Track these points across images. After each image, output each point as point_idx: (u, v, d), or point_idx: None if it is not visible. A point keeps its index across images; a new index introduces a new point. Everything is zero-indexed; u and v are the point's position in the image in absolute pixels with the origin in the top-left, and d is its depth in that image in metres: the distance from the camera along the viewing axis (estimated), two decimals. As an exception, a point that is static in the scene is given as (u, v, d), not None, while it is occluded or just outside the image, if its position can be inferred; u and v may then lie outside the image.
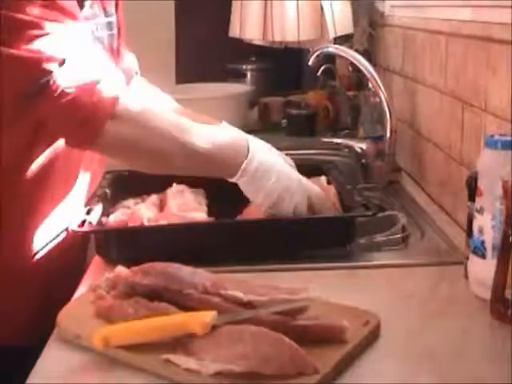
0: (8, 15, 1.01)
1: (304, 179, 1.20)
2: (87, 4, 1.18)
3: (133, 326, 0.87)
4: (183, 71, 2.58)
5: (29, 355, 0.89)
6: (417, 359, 0.84)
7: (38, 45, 1.02)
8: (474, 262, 0.99)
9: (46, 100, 1.03)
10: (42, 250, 1.20)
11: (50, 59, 1.03)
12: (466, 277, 1.02)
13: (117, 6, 1.33)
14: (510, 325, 0.90)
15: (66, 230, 1.21)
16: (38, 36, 1.02)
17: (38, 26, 1.02)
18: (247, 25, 2.17)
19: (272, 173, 1.16)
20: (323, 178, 1.33)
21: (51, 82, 1.02)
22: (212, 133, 1.17)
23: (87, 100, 1.05)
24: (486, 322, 0.93)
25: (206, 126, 1.18)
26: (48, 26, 1.03)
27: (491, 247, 0.95)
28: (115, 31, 1.31)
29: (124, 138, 1.10)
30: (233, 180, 1.16)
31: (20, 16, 1.02)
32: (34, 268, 1.19)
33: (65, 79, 1.03)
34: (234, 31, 2.23)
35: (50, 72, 1.02)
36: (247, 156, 1.15)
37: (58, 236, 1.22)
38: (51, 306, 0.97)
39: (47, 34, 1.03)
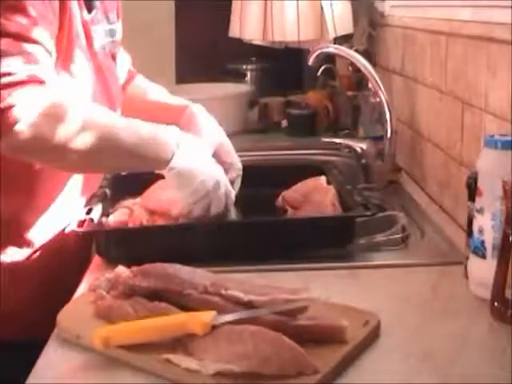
0: None
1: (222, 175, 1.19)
2: (95, 9, 1.21)
3: (133, 326, 0.87)
4: (183, 71, 2.59)
5: (28, 355, 0.89)
6: (417, 359, 0.84)
7: None
8: (474, 262, 0.99)
9: None
10: (40, 248, 1.20)
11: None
12: (466, 277, 1.02)
13: (118, 13, 1.35)
14: (509, 325, 0.90)
15: (65, 229, 1.21)
16: None
17: None
18: (247, 25, 2.17)
19: (199, 172, 1.14)
20: (323, 178, 1.33)
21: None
22: (137, 125, 1.13)
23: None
24: (486, 322, 0.93)
25: (132, 119, 1.14)
26: None
27: (491, 247, 0.95)
28: (116, 38, 1.33)
29: (42, 136, 1.01)
30: (161, 172, 1.14)
31: None
32: (33, 266, 1.19)
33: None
34: (234, 31, 2.23)
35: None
36: (174, 151, 1.12)
37: (56, 235, 1.22)
38: (51, 306, 0.97)
39: None
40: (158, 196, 1.25)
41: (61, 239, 1.22)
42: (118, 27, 1.35)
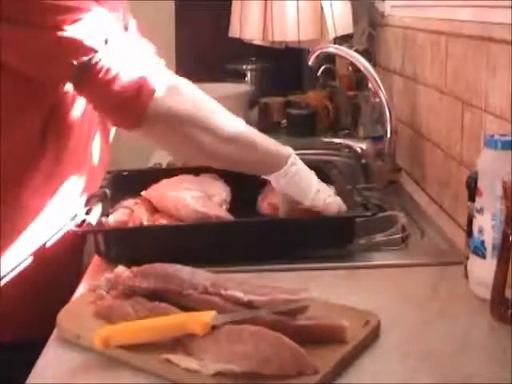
0: (49, 2, 1.03)
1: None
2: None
3: (133, 326, 0.87)
4: (183, 71, 2.58)
5: (28, 355, 0.89)
6: (417, 359, 0.84)
7: (80, 26, 1.04)
8: (474, 262, 0.99)
9: (90, 79, 1.05)
10: (38, 249, 1.20)
11: (92, 40, 1.05)
12: (466, 277, 1.02)
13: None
14: (509, 325, 0.90)
15: (62, 229, 1.21)
16: (79, 19, 1.04)
17: (79, 11, 1.04)
18: (247, 25, 2.17)
19: (312, 178, 1.20)
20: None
21: (95, 61, 1.04)
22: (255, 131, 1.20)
23: (131, 79, 1.06)
24: (486, 322, 0.93)
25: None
26: (87, 12, 1.05)
27: (491, 247, 0.95)
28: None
29: (169, 116, 1.10)
30: (271, 177, 1.19)
31: (61, 2, 1.03)
32: (30, 267, 1.19)
33: (108, 58, 1.05)
34: (234, 31, 2.23)
35: (94, 51, 1.04)
36: (289, 158, 1.18)
37: (53, 235, 1.22)
38: (51, 306, 0.97)
39: (87, 18, 1.05)
40: (163, 193, 1.24)
41: (57, 240, 1.22)
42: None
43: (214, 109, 1.17)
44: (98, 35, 1.06)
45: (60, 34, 1.03)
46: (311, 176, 1.20)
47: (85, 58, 1.04)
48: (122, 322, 0.88)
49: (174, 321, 0.86)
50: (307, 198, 1.18)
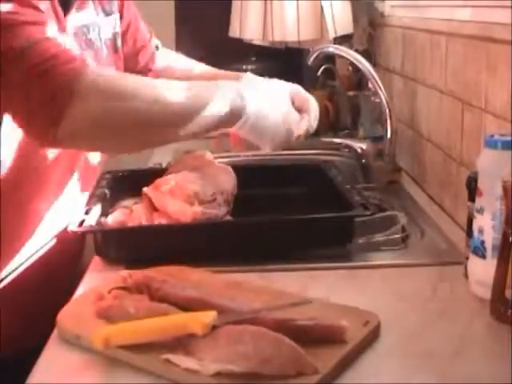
0: None
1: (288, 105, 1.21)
2: (74, 8, 1.17)
3: (133, 326, 0.87)
4: (183, 71, 2.58)
5: (28, 355, 0.88)
6: (417, 359, 0.83)
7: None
8: (474, 262, 0.98)
9: (20, 68, 0.99)
10: (37, 252, 1.19)
11: (37, 25, 1.00)
12: (466, 277, 1.02)
13: (122, 5, 1.33)
14: (509, 325, 0.90)
15: (60, 231, 1.21)
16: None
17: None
18: (247, 25, 2.17)
19: (270, 118, 1.15)
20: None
21: (31, 50, 0.99)
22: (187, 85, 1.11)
23: (57, 73, 1.00)
24: (486, 322, 0.93)
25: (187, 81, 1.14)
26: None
27: (491, 247, 0.95)
28: (119, 29, 1.31)
29: (95, 108, 1.01)
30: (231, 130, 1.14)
31: None
32: (30, 268, 1.19)
33: (42, 51, 1.00)
34: (234, 31, 2.23)
35: (36, 38, 0.99)
36: (243, 106, 1.12)
37: (55, 236, 1.22)
38: (49, 308, 0.97)
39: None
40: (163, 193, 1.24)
41: (59, 240, 1.22)
42: (128, 15, 1.34)
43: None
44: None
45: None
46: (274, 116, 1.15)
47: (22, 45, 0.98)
48: (122, 322, 0.87)
49: (175, 321, 0.86)
50: (269, 144, 1.16)
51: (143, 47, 1.44)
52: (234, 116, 1.11)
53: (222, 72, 1.44)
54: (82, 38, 1.20)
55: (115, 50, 1.32)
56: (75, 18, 1.18)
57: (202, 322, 0.83)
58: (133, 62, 1.40)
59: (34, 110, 1.01)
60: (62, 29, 1.12)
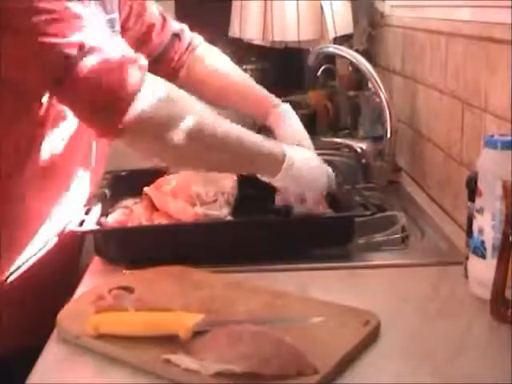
0: (24, 7, 0.99)
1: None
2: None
3: (122, 317, 0.88)
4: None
5: (28, 355, 0.89)
6: (417, 359, 0.83)
7: (56, 29, 1.00)
8: (474, 262, 0.98)
9: (70, 84, 1.01)
10: (39, 251, 1.19)
11: (69, 44, 1.00)
12: (466, 277, 1.02)
13: (123, 2, 1.33)
14: (510, 325, 0.90)
15: (61, 231, 1.21)
16: (56, 20, 1.00)
17: (55, 12, 1.00)
18: (247, 25, 2.17)
19: (310, 173, 1.21)
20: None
21: (74, 65, 1.00)
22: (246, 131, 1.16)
23: (112, 82, 1.02)
24: (486, 322, 0.93)
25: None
26: (64, 11, 1.01)
27: (491, 247, 0.95)
28: (118, 28, 1.31)
29: (151, 121, 1.05)
30: (272, 181, 1.18)
31: (38, 5, 0.99)
32: (31, 268, 1.19)
33: (87, 62, 1.01)
34: (234, 31, 2.23)
35: (72, 56, 1.00)
36: (285, 159, 1.16)
37: (54, 237, 1.22)
38: (49, 308, 0.97)
39: (65, 18, 1.01)
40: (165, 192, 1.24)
41: (59, 240, 1.22)
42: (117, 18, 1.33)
43: (202, 115, 1.11)
44: (76, 38, 1.01)
45: (37, 37, 0.99)
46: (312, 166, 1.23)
47: (61, 63, 0.99)
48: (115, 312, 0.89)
49: (161, 320, 0.86)
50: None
51: (152, 26, 1.43)
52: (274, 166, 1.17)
53: (255, 90, 1.43)
54: None
55: None
56: None
57: (185, 325, 0.83)
58: (148, 43, 1.40)
59: (92, 118, 1.05)
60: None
